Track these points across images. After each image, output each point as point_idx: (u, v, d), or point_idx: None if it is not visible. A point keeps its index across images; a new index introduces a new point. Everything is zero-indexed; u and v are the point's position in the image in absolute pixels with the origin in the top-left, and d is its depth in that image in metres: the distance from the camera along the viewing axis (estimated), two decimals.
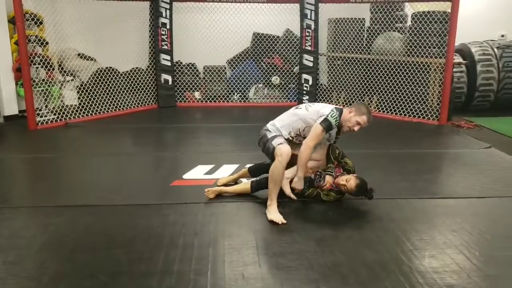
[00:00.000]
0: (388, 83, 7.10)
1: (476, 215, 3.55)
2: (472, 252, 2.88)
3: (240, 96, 8.28)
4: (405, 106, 6.90)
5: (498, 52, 7.49)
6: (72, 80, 7.11)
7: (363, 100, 7.17)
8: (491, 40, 7.90)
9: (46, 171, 4.61)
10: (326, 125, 3.43)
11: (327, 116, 3.45)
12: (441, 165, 4.97)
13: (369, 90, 7.36)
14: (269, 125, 3.75)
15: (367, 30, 7.74)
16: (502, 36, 8.48)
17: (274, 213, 3.34)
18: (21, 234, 3.13)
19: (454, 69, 6.93)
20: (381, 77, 7.21)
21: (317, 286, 2.51)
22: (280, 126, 3.67)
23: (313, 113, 3.57)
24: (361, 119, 3.53)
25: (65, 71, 7.02)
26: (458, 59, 7.23)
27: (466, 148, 5.51)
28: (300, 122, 3.62)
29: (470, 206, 3.70)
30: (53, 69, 6.68)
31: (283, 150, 3.41)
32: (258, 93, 8.30)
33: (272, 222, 3.30)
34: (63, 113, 6.59)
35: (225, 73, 8.34)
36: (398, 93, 6.98)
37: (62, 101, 6.90)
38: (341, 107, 3.71)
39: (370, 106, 6.90)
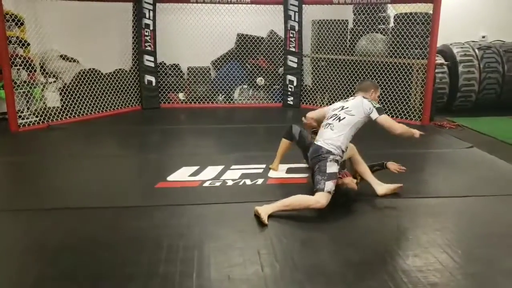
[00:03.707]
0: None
1: (458, 214, 3.60)
2: (455, 251, 2.92)
3: (225, 97, 8.27)
4: (388, 106, 6.95)
5: (479, 53, 7.60)
6: (54, 81, 7.04)
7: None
8: (472, 41, 8.02)
9: (28, 174, 4.55)
10: (384, 110, 3.72)
11: (375, 107, 3.67)
12: (424, 165, 5.02)
13: (352, 91, 7.39)
14: (327, 146, 3.59)
15: (350, 32, 7.80)
16: (483, 37, 8.61)
17: (264, 214, 3.33)
18: (2, 238, 3.09)
19: (436, 70, 7.02)
20: (364, 78, 7.25)
21: (302, 286, 2.52)
22: (341, 142, 3.60)
23: (359, 113, 3.67)
24: (378, 91, 4.02)
25: (47, 73, 6.95)
26: (440, 60, 7.32)
27: (448, 148, 5.58)
28: (353, 128, 3.67)
29: (452, 205, 3.75)
30: (35, 71, 6.61)
31: (324, 202, 3.40)
32: (243, 94, 8.30)
33: (257, 216, 3.32)
34: (46, 115, 6.51)
35: (210, 74, 8.33)
36: (381, 94, 6.99)
37: (44, 103, 6.82)
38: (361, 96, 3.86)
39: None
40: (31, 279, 2.57)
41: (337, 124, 3.65)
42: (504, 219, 3.49)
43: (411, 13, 6.81)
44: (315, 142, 3.69)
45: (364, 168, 3.86)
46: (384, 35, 7.40)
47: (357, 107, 3.69)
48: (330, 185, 3.44)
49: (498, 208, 3.71)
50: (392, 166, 3.87)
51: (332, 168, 3.50)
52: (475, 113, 7.47)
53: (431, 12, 6.59)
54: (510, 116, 7.25)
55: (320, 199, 3.39)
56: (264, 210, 3.35)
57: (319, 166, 3.53)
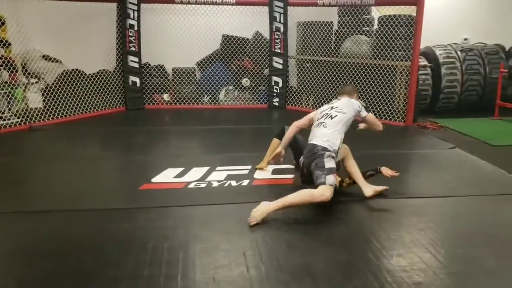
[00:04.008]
0: (356, 86, 7.20)
1: (441, 214, 3.64)
2: (438, 250, 2.95)
3: (210, 98, 8.25)
4: (372, 107, 7.01)
5: (462, 55, 7.71)
6: (36, 82, 6.95)
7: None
8: (455, 43, 8.14)
9: (9, 176, 4.47)
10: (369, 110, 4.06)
11: (363, 106, 3.96)
12: (408, 165, 5.06)
13: (337, 92, 7.44)
14: (323, 143, 3.62)
15: (335, 33, 7.84)
16: (465, 39, 8.74)
17: (260, 213, 3.29)
18: None
19: (420, 72, 7.09)
20: (349, 79, 7.31)
21: (287, 287, 2.52)
22: (335, 137, 3.67)
23: (350, 111, 3.83)
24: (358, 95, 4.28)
25: (29, 73, 6.86)
26: (423, 62, 7.40)
27: (431, 148, 5.64)
28: (344, 126, 3.79)
29: (435, 205, 3.79)
30: (17, 71, 6.51)
31: (328, 195, 3.37)
32: (228, 95, 8.29)
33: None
34: (28, 116, 6.42)
35: (195, 75, 8.30)
36: (365, 95, 7.09)
37: (26, 104, 6.73)
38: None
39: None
40: (13, 282, 2.53)
41: (330, 121, 3.74)
42: (486, 219, 3.53)
43: (394, 16, 6.87)
44: (310, 142, 3.73)
45: (354, 170, 3.88)
46: (368, 37, 7.46)
47: (347, 106, 3.84)
48: (331, 179, 3.45)
49: (480, 208, 3.76)
50: (386, 171, 3.89)
51: (329, 163, 3.53)
52: (457, 114, 7.56)
53: (414, 14, 6.66)
54: (491, 117, 7.36)
55: (324, 192, 3.37)
56: (262, 210, 3.30)
57: (316, 163, 3.54)
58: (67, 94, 7.00)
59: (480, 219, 3.55)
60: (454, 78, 7.59)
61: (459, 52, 7.73)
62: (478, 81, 7.71)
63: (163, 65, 8.21)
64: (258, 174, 4.39)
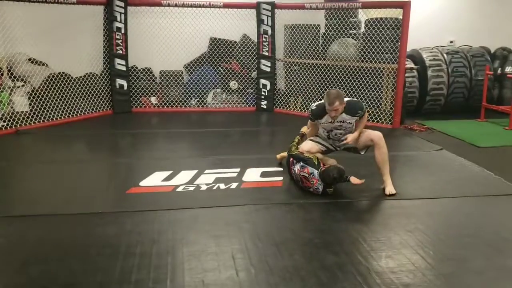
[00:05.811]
0: (343, 88, 7.23)
1: (429, 215, 3.66)
2: (427, 252, 2.96)
3: (198, 101, 8.23)
4: None
5: (448, 57, 7.78)
6: (22, 85, 6.87)
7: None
8: (441, 46, 8.21)
9: None
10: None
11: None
12: (395, 167, 5.07)
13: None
14: None
15: (322, 36, 7.87)
16: (451, 42, 8.83)
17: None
18: None
19: (406, 74, 7.14)
20: (336, 82, 7.34)
21: None
22: None
23: None
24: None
25: (15, 77, 6.78)
26: (409, 64, 7.46)
27: (418, 150, 5.68)
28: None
29: (423, 206, 3.81)
30: (2, 75, 6.43)
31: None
32: (216, 98, 8.27)
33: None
34: (14, 120, 6.34)
35: (182, 78, 8.27)
36: (352, 98, 7.09)
37: (12, 107, 6.65)
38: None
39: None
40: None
41: None
42: (473, 220, 3.57)
43: (381, 18, 6.91)
44: None
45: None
46: (355, 39, 7.50)
47: None
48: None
49: (467, 209, 3.80)
50: (354, 180, 3.86)
51: None
52: (444, 116, 7.63)
53: (401, 17, 6.70)
54: (477, 119, 7.43)
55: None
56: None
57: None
58: (54, 98, 6.93)
59: (467, 220, 3.58)
60: (441, 80, 7.66)
61: (445, 55, 7.81)
62: (464, 83, 7.79)
63: (150, 68, 8.17)
64: (246, 177, 4.39)
